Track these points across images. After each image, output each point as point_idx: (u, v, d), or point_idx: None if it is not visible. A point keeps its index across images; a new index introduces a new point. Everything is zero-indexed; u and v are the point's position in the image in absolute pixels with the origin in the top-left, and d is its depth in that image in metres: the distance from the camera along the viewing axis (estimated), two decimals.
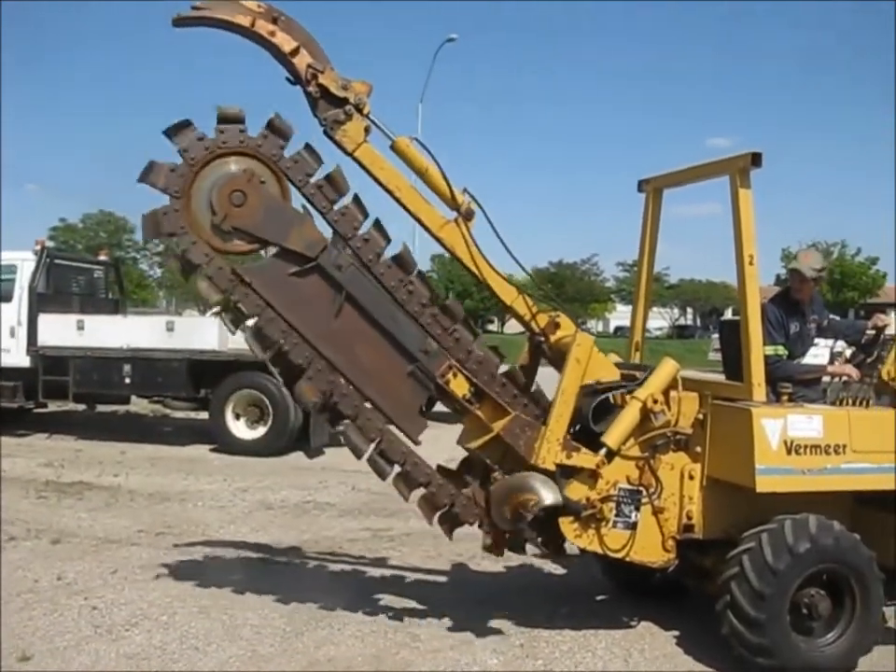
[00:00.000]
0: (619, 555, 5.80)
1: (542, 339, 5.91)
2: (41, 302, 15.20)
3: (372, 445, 5.68)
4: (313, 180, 5.57)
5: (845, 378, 6.38)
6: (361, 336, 5.63)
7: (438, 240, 5.73)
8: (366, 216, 5.63)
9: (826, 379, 6.51)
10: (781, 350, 6.34)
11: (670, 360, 5.89)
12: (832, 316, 7.16)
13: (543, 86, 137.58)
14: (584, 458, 5.65)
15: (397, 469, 5.77)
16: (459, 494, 5.81)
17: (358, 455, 5.70)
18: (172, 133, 5.44)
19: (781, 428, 5.53)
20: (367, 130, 5.54)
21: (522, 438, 5.61)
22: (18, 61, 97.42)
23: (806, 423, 5.61)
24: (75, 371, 14.67)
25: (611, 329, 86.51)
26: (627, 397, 5.75)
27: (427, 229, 5.70)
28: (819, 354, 7.32)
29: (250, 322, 5.71)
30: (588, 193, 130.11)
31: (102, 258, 18.91)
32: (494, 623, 6.21)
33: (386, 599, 6.71)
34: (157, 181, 5.42)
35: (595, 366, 5.75)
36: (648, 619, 6.42)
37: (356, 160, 5.56)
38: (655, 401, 5.66)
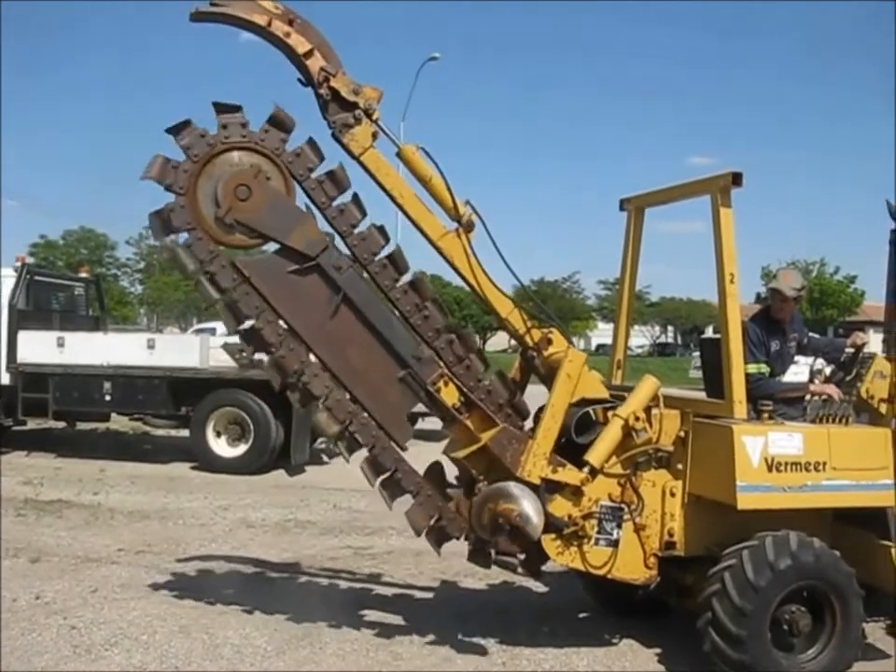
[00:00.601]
0: (601, 572, 5.80)
1: (535, 354, 5.92)
2: (21, 319, 15.10)
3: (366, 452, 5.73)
4: (335, 202, 5.64)
5: (825, 396, 6.42)
6: (355, 338, 5.67)
7: (437, 249, 5.78)
8: (386, 241, 5.73)
9: (807, 397, 6.55)
10: (764, 368, 6.38)
11: (651, 378, 5.91)
12: (811, 334, 7.20)
13: (524, 103, 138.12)
14: (569, 474, 5.66)
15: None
16: (446, 506, 5.81)
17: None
18: (175, 130, 5.49)
19: (762, 446, 5.56)
20: (374, 136, 5.61)
21: (509, 450, 5.61)
22: None
23: (787, 440, 5.64)
24: (55, 388, 14.57)
25: (593, 346, 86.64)
26: (609, 414, 5.77)
27: (427, 237, 5.75)
28: (799, 371, 7.35)
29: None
30: (570, 210, 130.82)
31: (82, 274, 18.86)
32: (475, 641, 6.19)
33: (368, 617, 6.68)
34: (159, 176, 5.48)
35: (585, 384, 5.78)
36: (630, 636, 6.42)
37: (361, 164, 5.62)
38: (637, 419, 5.67)
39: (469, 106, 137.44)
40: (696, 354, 36.46)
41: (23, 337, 14.87)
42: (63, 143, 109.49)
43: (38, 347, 14.74)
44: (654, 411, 5.86)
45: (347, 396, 5.68)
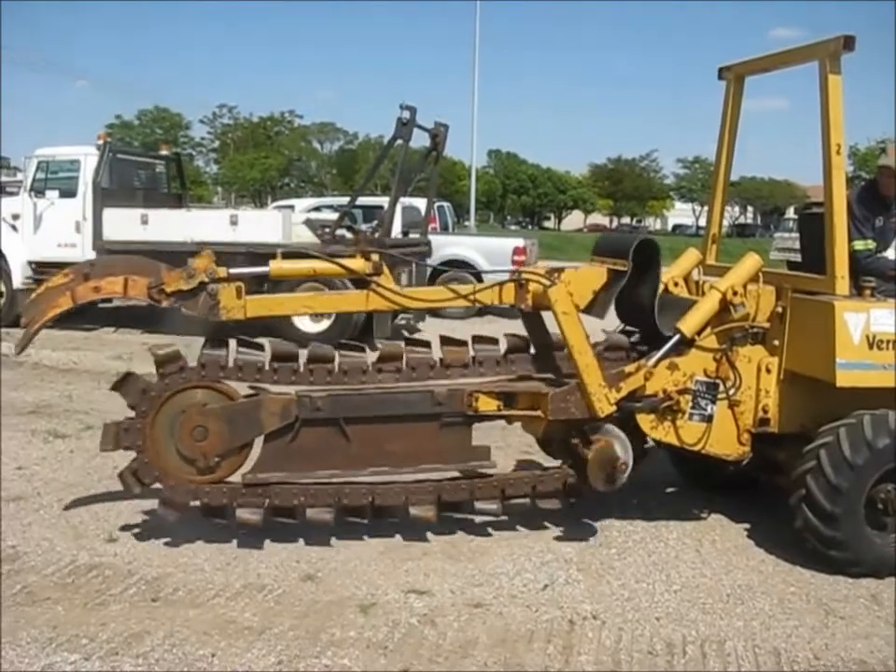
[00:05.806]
0: (695, 448, 5.80)
1: (521, 307, 5.85)
2: (105, 197, 15.20)
3: None
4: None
5: None
6: (381, 436, 5.62)
7: (373, 311, 5.89)
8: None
9: None
10: (871, 244, 6.17)
11: (754, 255, 5.81)
12: None
13: None
14: (633, 380, 5.60)
15: None
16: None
17: None
18: (117, 387, 5.49)
19: (864, 322, 5.41)
20: (238, 290, 5.44)
21: (571, 406, 5.59)
22: None
23: (890, 317, 5.48)
24: None
25: (669, 226, 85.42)
26: (706, 287, 5.69)
27: (359, 313, 5.74)
28: None
29: None
30: (648, 89, 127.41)
31: (163, 152, 18.89)
32: (566, 514, 6.25)
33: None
34: (115, 446, 5.55)
35: (581, 289, 5.71)
36: (718, 511, 6.45)
37: (252, 321, 5.56)
38: (735, 293, 5.59)
39: None
40: (778, 235, 35.68)
41: (108, 214, 15.00)
42: (133, 20, 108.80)
43: (123, 224, 14.85)
44: (751, 286, 5.75)
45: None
